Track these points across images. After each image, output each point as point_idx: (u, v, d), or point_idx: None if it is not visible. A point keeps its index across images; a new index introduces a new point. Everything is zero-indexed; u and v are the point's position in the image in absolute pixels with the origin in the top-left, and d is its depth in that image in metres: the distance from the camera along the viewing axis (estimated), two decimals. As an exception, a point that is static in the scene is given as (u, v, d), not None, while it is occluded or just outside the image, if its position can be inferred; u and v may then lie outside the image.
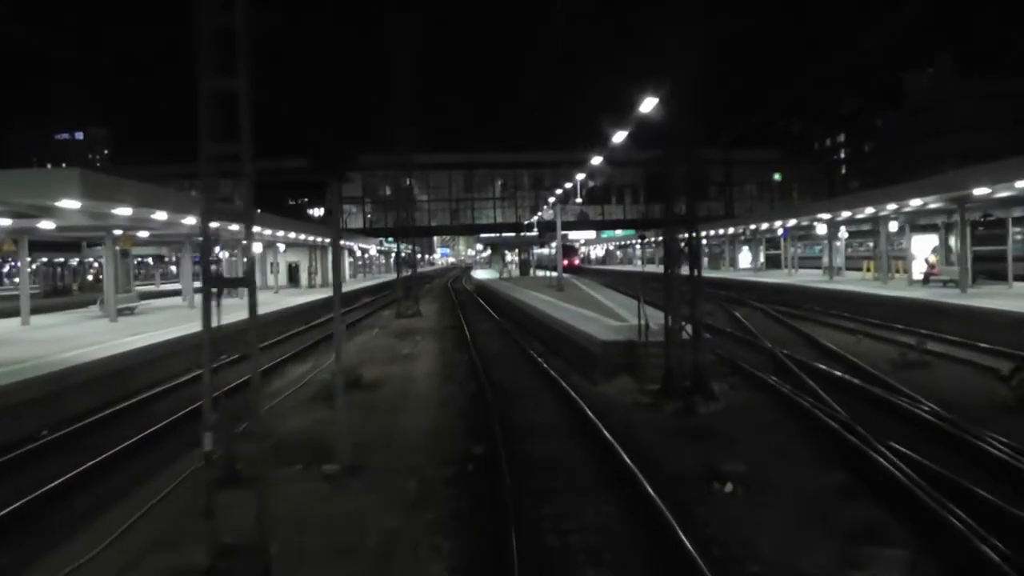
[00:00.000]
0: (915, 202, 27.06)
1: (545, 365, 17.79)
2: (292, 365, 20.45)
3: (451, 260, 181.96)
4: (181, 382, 17.03)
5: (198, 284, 46.36)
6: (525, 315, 27.78)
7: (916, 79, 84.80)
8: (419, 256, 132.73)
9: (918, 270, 31.18)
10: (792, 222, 41.48)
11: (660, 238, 71.52)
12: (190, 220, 24.24)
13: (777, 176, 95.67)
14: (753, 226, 48.24)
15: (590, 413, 12.35)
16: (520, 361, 19.50)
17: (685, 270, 13.70)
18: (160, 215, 21.57)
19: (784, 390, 13.99)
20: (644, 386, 14.16)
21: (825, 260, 41.98)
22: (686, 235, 13.60)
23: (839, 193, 77.21)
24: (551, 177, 71.45)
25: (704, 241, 66.32)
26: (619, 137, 19.97)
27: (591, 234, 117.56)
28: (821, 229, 40.41)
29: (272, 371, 19.31)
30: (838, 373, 15.65)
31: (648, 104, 14.55)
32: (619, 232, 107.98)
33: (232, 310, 7.46)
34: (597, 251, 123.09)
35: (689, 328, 13.53)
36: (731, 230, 54.41)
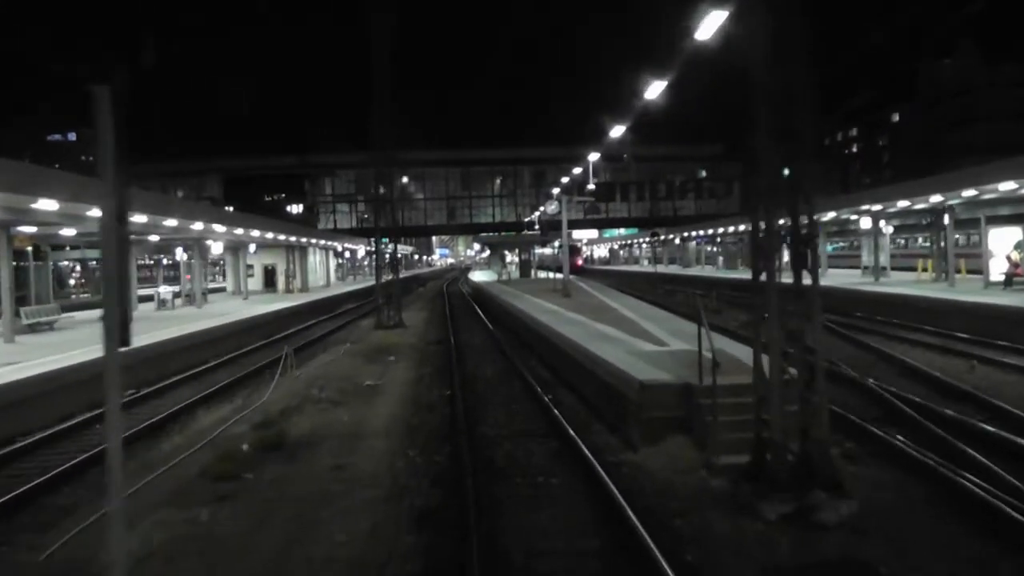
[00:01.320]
0: (1006, 186, 21.90)
1: (555, 409, 12.65)
2: (212, 404, 15.29)
3: (450, 261, 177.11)
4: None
5: (148, 290, 41.22)
6: (527, 328, 22.63)
7: (933, 70, 79.73)
8: (417, 257, 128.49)
9: (997, 270, 25.99)
10: (830, 215, 36.21)
11: (671, 236, 66.97)
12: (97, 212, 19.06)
13: (787, 172, 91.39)
14: (780, 221, 42.92)
15: (635, 520, 7.25)
16: (519, 400, 14.30)
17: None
18: (46, 204, 16.43)
19: (924, 457, 8.93)
20: (714, 458, 9.02)
21: (865, 258, 36.74)
22: (787, 222, 8.51)
23: (853, 189, 72.27)
24: (553, 173, 66.59)
25: (714, 238, 61.73)
26: (654, 92, 14.69)
27: (593, 233, 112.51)
28: (864, 223, 35.25)
29: (179, 415, 14.17)
30: (989, 427, 10.52)
31: (714, 22, 9.41)
32: (622, 231, 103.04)
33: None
34: (599, 251, 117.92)
35: (788, 370, 8.38)
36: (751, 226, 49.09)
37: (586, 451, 9.88)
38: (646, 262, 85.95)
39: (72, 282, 72.66)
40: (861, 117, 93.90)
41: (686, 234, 66.05)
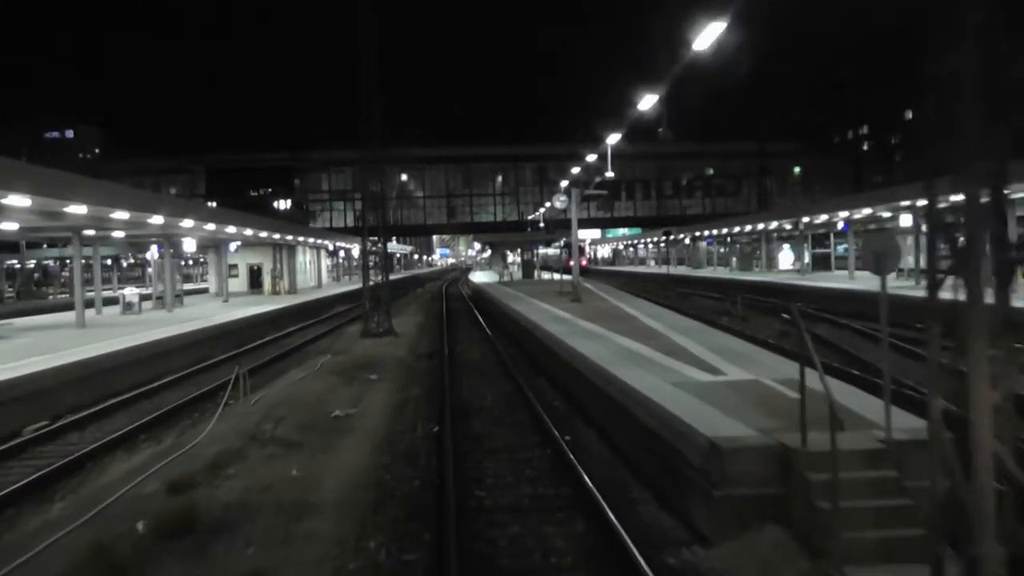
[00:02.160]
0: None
1: (576, 461, 9.38)
2: (135, 444, 12.04)
3: (451, 261, 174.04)
4: None
5: (105, 293, 37.88)
6: (534, 340, 19.37)
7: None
8: (417, 257, 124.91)
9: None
10: (865, 211, 32.84)
11: (680, 236, 63.92)
12: (23, 201, 15.89)
13: (797, 170, 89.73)
14: (807, 219, 39.67)
15: None
16: (528, 444, 10.97)
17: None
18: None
19: None
20: (835, 571, 5.76)
21: (910, 260, 33.31)
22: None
23: (866, 188, 69.22)
24: (556, 170, 63.48)
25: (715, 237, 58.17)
26: (707, 38, 11.30)
27: (595, 233, 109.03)
28: (904, 220, 31.95)
29: (82, 464, 10.90)
30: None
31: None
32: (625, 231, 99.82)
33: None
34: (601, 251, 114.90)
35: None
36: (773, 224, 45.90)
37: (632, 546, 6.63)
38: (652, 263, 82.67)
39: (63, 281, 69.72)
40: (873, 114, 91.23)
41: (697, 233, 62.84)
